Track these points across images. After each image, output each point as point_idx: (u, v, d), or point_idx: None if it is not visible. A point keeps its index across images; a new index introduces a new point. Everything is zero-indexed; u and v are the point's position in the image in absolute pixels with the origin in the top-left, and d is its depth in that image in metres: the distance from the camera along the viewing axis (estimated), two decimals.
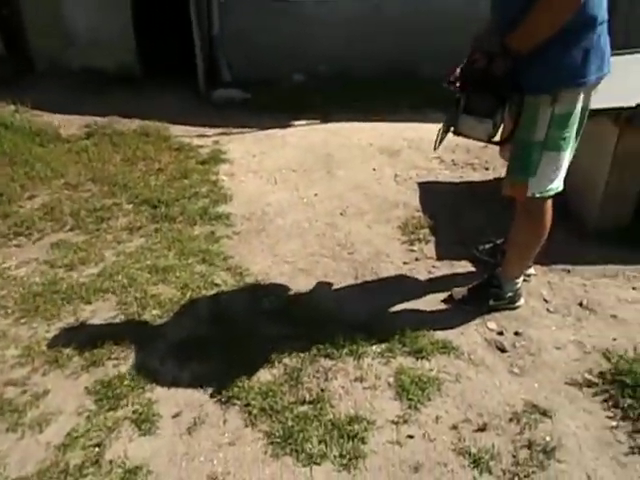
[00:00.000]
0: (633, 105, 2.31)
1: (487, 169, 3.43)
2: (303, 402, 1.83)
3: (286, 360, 2.00)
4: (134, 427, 1.78)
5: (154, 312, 2.27)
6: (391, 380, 1.91)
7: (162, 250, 2.66)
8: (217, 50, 4.82)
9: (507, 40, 1.77)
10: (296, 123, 4.15)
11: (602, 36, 1.80)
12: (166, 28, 4.69)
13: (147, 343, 2.11)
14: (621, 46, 3.71)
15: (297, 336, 2.10)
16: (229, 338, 2.11)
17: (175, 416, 1.82)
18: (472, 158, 3.56)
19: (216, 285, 2.41)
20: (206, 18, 4.71)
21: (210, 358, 2.02)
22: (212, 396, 1.88)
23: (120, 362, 2.03)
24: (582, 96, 1.85)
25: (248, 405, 1.83)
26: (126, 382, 1.93)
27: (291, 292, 2.38)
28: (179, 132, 4.01)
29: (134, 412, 1.82)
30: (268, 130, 4.04)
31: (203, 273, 2.48)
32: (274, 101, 4.45)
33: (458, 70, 1.95)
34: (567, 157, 1.95)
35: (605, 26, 1.80)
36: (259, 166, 3.52)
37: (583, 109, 1.89)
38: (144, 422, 1.79)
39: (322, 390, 1.87)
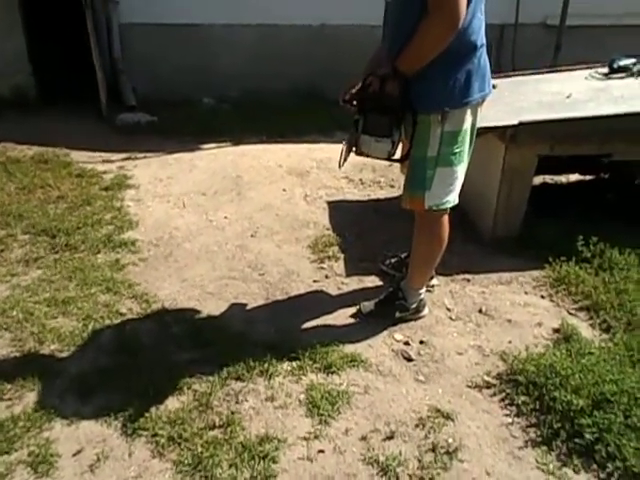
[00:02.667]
0: (516, 123, 2.50)
1: (392, 186, 3.56)
2: (213, 427, 1.79)
3: (195, 386, 1.95)
4: (29, 470, 1.66)
5: (53, 347, 2.14)
6: (302, 397, 1.92)
7: (62, 281, 2.52)
8: (120, 73, 4.71)
9: (396, 64, 1.88)
10: (205, 146, 4.12)
11: (482, 58, 1.96)
12: (67, 52, 4.52)
13: (45, 379, 1.98)
14: (509, 69, 4.05)
15: (207, 360, 2.06)
16: (135, 368, 2.02)
17: (76, 454, 1.72)
18: (378, 176, 3.69)
19: (121, 314, 2.32)
20: (106, 41, 4.60)
21: (114, 390, 1.93)
22: (117, 429, 1.80)
23: (14, 402, 1.88)
24: (469, 114, 1.99)
25: (155, 435, 1.76)
26: (20, 423, 1.80)
27: (200, 316, 2.34)
28: (81, 158, 3.85)
29: (29, 454, 1.70)
30: (176, 154, 3.97)
31: (107, 303, 2.38)
32: (182, 125, 4.40)
33: (354, 91, 2.05)
34: (460, 172, 2.07)
35: (484, 49, 1.96)
36: (166, 190, 3.45)
37: (472, 126, 2.03)
38: (41, 464, 1.67)
39: (232, 413, 1.84)
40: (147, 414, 1.83)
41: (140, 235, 2.93)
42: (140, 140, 4.19)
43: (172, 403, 1.88)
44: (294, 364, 2.05)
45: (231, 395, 1.92)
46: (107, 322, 2.27)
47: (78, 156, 3.88)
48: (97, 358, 2.08)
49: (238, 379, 1.98)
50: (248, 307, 2.40)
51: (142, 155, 3.95)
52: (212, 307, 2.39)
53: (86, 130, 4.37)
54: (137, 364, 2.05)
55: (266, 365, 2.03)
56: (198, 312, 2.36)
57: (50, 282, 2.51)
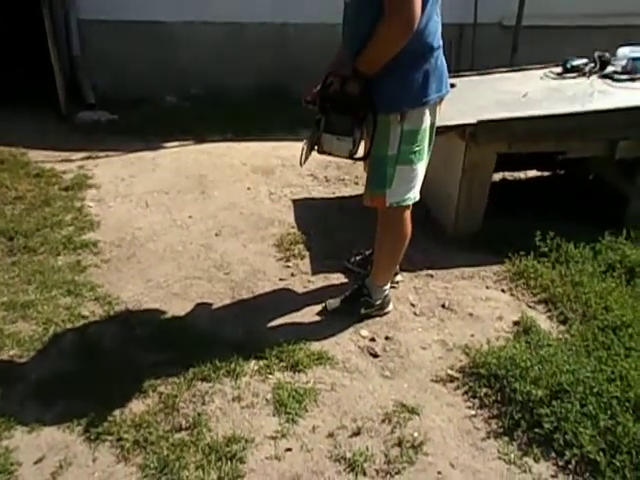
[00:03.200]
0: (475, 122, 2.56)
1: (357, 184, 3.59)
2: (179, 429, 1.78)
3: (161, 388, 1.93)
4: None
5: (12, 352, 2.08)
6: (269, 396, 1.92)
7: (21, 285, 2.45)
8: (79, 71, 4.59)
9: (355, 64, 1.91)
10: (168, 145, 4.05)
11: (439, 60, 2.01)
12: (24, 51, 4.38)
13: (4, 386, 1.93)
14: (468, 68, 4.13)
15: (172, 362, 2.04)
16: (98, 371, 1.99)
17: (37, 462, 1.68)
18: (343, 174, 3.71)
19: (83, 317, 2.27)
20: (65, 38, 4.47)
21: (77, 395, 1.89)
22: (80, 435, 1.77)
23: None
24: (427, 113, 2.03)
25: (120, 440, 1.74)
26: None
27: (165, 317, 2.31)
28: (39, 158, 3.74)
29: None
30: (138, 153, 3.90)
31: (68, 305, 2.33)
32: (144, 123, 4.32)
33: (315, 91, 2.06)
34: (421, 169, 2.12)
35: (441, 51, 2.01)
36: (129, 190, 3.39)
37: (431, 125, 2.07)
38: (0, 474, 1.63)
39: (199, 414, 1.83)
40: (111, 418, 1.80)
41: (102, 236, 2.87)
42: (101, 139, 4.10)
43: (137, 406, 1.86)
44: (261, 363, 2.06)
45: (197, 396, 1.91)
46: (68, 325, 2.22)
47: (36, 156, 3.77)
48: (58, 363, 2.04)
49: (204, 380, 1.97)
50: (214, 307, 2.39)
51: (103, 154, 3.87)
52: (177, 308, 2.36)
53: (45, 129, 4.25)
54: (100, 368, 2.02)
55: (233, 365, 2.03)
56: (163, 313, 2.33)
57: (8, 286, 2.44)
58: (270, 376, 2.01)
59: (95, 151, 3.89)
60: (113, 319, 2.28)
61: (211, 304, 2.40)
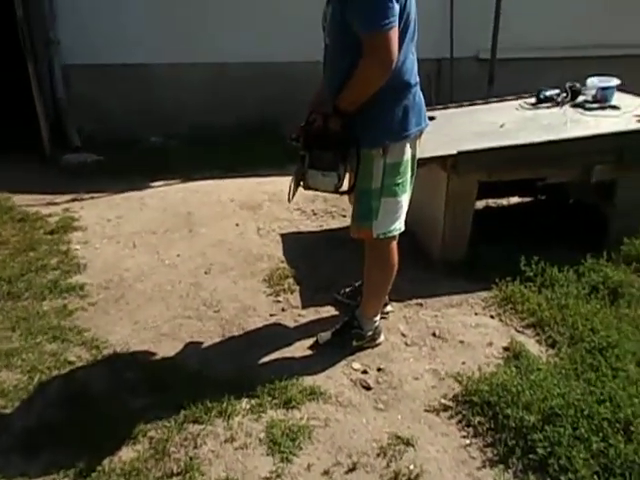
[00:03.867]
0: (455, 153, 2.62)
1: (344, 216, 3.62)
2: (171, 475, 1.75)
3: (151, 432, 1.90)
4: None
5: None
6: (262, 436, 1.90)
7: (5, 332, 2.42)
8: (64, 115, 4.64)
9: (336, 102, 1.97)
10: (154, 184, 4.08)
11: (417, 95, 2.09)
12: (9, 98, 4.42)
13: None
14: (448, 101, 4.24)
15: (163, 405, 2.02)
16: (86, 418, 1.96)
17: None
18: (330, 207, 3.74)
19: (70, 363, 2.24)
20: (49, 82, 4.53)
21: (64, 444, 1.86)
22: None
23: None
24: (408, 147, 2.09)
25: None
26: None
27: (155, 359, 2.29)
28: (23, 202, 3.74)
29: None
30: (124, 193, 3.92)
31: (54, 352, 2.29)
32: (130, 163, 4.35)
33: (299, 128, 2.12)
34: (405, 201, 2.17)
35: (418, 87, 2.09)
36: (116, 231, 3.39)
37: (412, 157, 2.13)
38: None
39: (191, 458, 1.80)
40: (100, 467, 1.76)
41: (89, 278, 2.86)
42: (86, 181, 4.12)
43: (126, 453, 1.82)
44: (253, 402, 2.04)
45: (189, 439, 1.88)
46: (54, 372, 2.19)
47: (21, 200, 3.77)
48: (44, 412, 2.00)
49: (196, 422, 1.94)
50: (204, 346, 2.37)
51: (89, 196, 3.88)
52: (167, 348, 2.35)
53: (30, 174, 4.25)
54: (88, 415, 1.98)
55: (225, 405, 2.00)
56: (152, 355, 2.31)
57: None
58: (263, 414, 1.99)
59: (81, 193, 3.91)
60: (101, 363, 2.25)
61: (201, 343, 2.39)
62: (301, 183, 2.13)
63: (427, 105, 2.19)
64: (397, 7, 1.84)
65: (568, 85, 3.21)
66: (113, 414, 1.98)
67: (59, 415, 1.98)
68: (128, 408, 2.01)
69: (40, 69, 4.49)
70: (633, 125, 2.79)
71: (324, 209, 3.72)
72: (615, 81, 3.11)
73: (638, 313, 2.42)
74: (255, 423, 1.95)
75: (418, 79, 2.07)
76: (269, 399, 2.04)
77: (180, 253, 3.13)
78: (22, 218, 3.48)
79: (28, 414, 1.99)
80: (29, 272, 2.86)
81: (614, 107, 3.04)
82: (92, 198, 3.86)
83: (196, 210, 3.67)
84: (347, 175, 2.09)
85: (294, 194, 2.16)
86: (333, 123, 2.00)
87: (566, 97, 3.17)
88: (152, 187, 4.07)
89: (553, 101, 3.18)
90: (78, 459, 1.79)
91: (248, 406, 2.02)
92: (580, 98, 3.16)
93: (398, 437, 1.88)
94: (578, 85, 3.20)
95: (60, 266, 2.95)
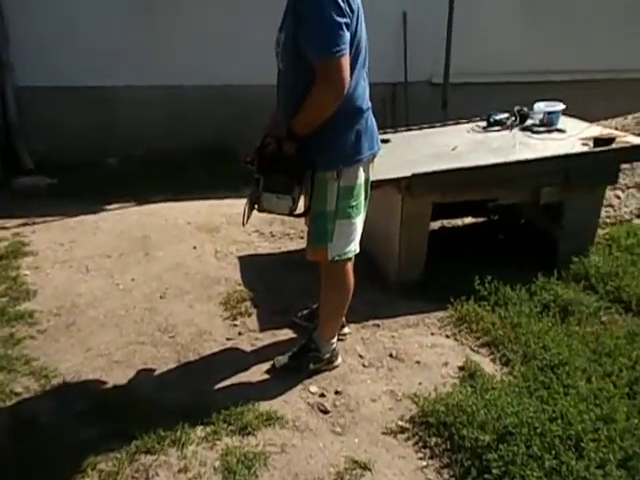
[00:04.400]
0: (409, 175, 2.68)
1: (302, 238, 3.62)
2: None
3: (101, 465, 1.84)
4: None
5: None
6: (217, 464, 1.86)
7: None
8: (15, 136, 4.52)
9: (290, 126, 1.99)
10: (109, 207, 4.01)
11: (369, 120, 2.13)
12: None
13: None
14: (403, 124, 4.34)
15: (114, 435, 1.95)
16: (31, 453, 1.87)
17: None
18: (288, 229, 3.75)
19: (16, 394, 2.15)
20: (0, 103, 4.42)
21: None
22: None
23: None
24: (362, 170, 2.12)
25: None
26: None
27: (106, 387, 2.22)
28: None
29: None
30: (78, 217, 3.82)
31: (0, 383, 2.20)
32: (85, 186, 4.28)
33: (254, 152, 2.12)
34: (359, 223, 2.19)
35: (370, 111, 2.13)
36: (68, 255, 3.30)
37: (365, 180, 2.16)
38: None
39: None
40: None
41: (38, 305, 2.77)
42: (39, 204, 4.01)
43: None
44: (208, 429, 1.99)
45: (141, 471, 1.82)
46: (0, 405, 2.09)
47: None
48: None
49: (148, 452, 1.89)
50: (158, 372, 2.32)
51: (41, 220, 3.77)
52: (119, 376, 2.28)
53: None
54: (34, 449, 1.89)
55: (179, 433, 1.95)
56: (104, 383, 2.24)
57: None
58: (218, 442, 1.94)
59: (33, 217, 3.80)
60: (49, 394, 2.17)
61: (155, 370, 2.33)
62: (256, 206, 2.14)
63: (382, 128, 2.23)
64: (348, 35, 1.89)
65: (516, 109, 3.33)
66: (61, 446, 1.90)
67: (4, 449, 1.90)
68: (77, 439, 1.94)
69: None
70: (578, 148, 2.91)
71: (282, 231, 3.72)
72: (560, 106, 3.25)
73: (587, 330, 2.49)
74: (210, 451, 1.91)
75: (370, 104, 2.11)
76: (224, 426, 2.01)
77: (135, 277, 3.07)
78: None
79: None
80: None
81: (560, 130, 3.17)
82: (44, 222, 3.75)
83: (152, 233, 3.62)
84: (302, 198, 2.10)
85: (249, 217, 2.17)
86: (287, 146, 2.02)
87: (515, 121, 3.29)
88: (107, 210, 3.99)
89: (503, 125, 3.29)
90: None
91: (203, 434, 1.97)
92: (528, 122, 3.29)
93: (355, 461, 1.87)
94: (526, 109, 3.33)
95: (8, 293, 2.85)
